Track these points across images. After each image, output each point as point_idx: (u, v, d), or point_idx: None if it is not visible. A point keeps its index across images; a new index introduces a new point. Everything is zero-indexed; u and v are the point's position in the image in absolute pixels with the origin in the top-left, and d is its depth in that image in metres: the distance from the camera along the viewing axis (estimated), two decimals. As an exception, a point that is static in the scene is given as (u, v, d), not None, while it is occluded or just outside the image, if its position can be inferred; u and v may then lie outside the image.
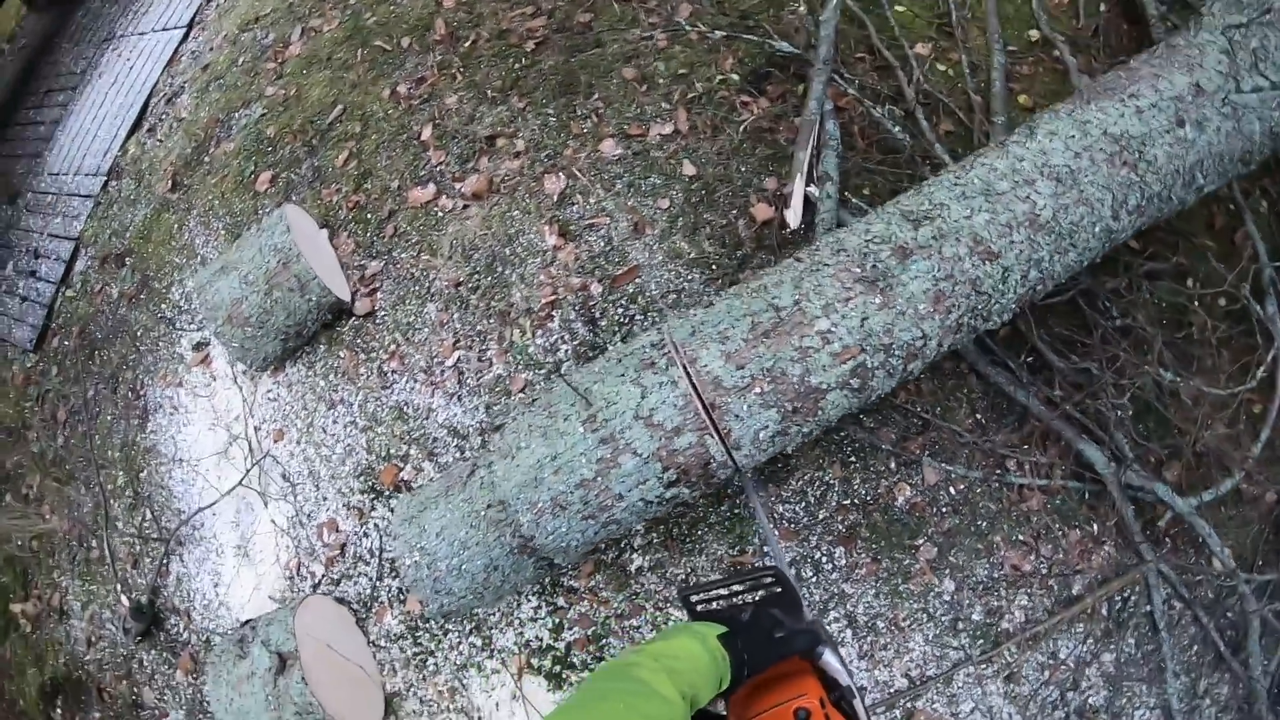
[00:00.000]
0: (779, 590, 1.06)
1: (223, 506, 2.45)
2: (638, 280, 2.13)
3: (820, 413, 1.53)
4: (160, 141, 3.11)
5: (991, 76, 2.29)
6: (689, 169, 2.20)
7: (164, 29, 3.42)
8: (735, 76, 2.32)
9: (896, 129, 2.17)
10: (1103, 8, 2.62)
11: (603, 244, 2.19)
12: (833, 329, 1.49)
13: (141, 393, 2.67)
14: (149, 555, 2.54)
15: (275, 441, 2.41)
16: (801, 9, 2.32)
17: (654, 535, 2.04)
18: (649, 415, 1.52)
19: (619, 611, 2.04)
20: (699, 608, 1.06)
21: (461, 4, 2.73)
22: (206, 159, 2.88)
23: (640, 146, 2.27)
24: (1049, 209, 1.57)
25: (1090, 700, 2.12)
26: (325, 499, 2.32)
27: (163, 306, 2.72)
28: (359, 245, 2.44)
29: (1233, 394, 2.09)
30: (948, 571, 2.01)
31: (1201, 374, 2.07)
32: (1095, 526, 1.97)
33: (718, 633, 0.95)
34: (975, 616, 1.96)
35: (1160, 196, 1.68)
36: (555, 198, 2.26)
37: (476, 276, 2.26)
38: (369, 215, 2.47)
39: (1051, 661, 2.07)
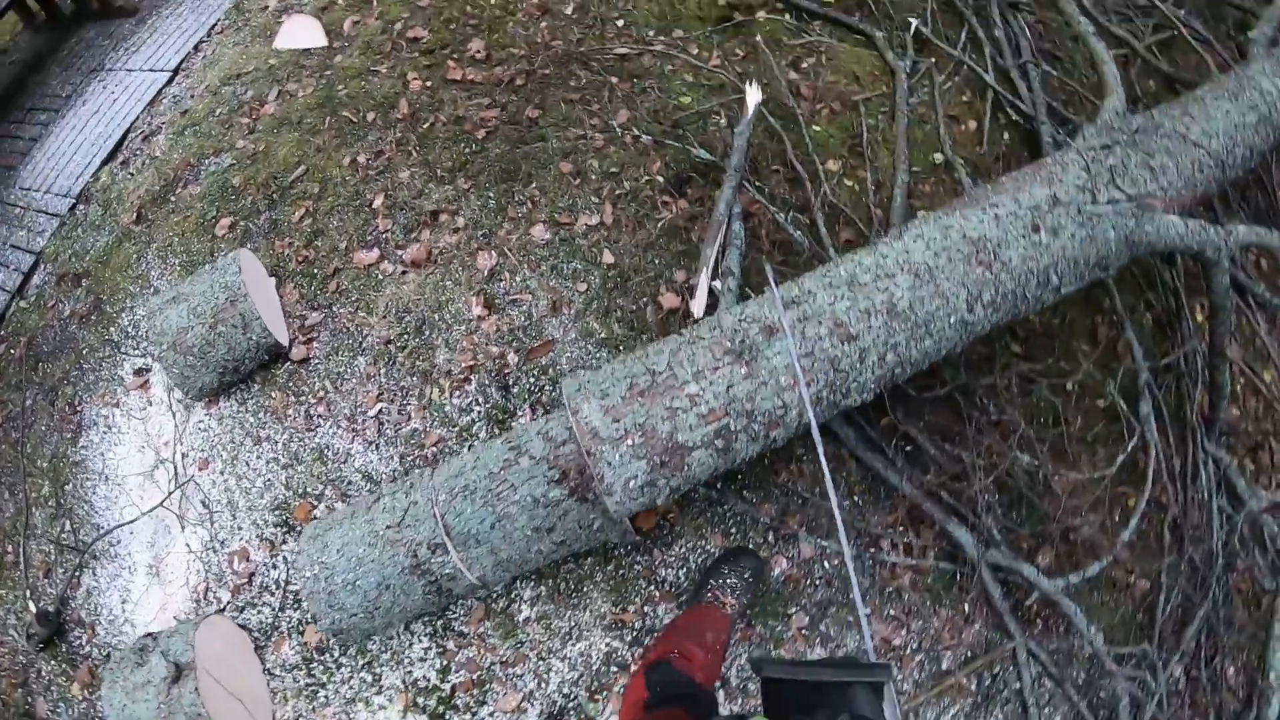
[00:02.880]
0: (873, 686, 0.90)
1: (141, 526, 2.57)
2: (551, 354, 2.37)
3: (687, 469, 1.76)
4: (131, 175, 3.30)
5: (894, 193, 2.64)
6: (608, 257, 2.48)
7: (151, 70, 3.65)
8: (660, 179, 2.63)
9: (798, 233, 2.48)
10: (1005, 136, 3.01)
11: (523, 318, 2.43)
12: (700, 393, 1.73)
13: (78, 408, 2.80)
14: (62, 565, 2.63)
15: (200, 469, 2.56)
16: (723, 122, 2.65)
17: (542, 588, 2.23)
18: (546, 431, 1.88)
19: (504, 659, 2.21)
20: (783, 696, 0.91)
21: (426, 88, 3.02)
22: (172, 198, 3.08)
23: (567, 234, 2.54)
24: (906, 299, 1.84)
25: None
26: (240, 528, 2.46)
27: (111, 330, 2.87)
28: (303, 296, 2.66)
29: (1099, 478, 2.36)
30: (818, 640, 2.22)
31: (1073, 468, 2.35)
32: (966, 605, 2.22)
33: None
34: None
35: (1015, 294, 1.95)
36: (485, 273, 2.52)
37: (405, 336, 2.49)
38: (315, 270, 2.69)
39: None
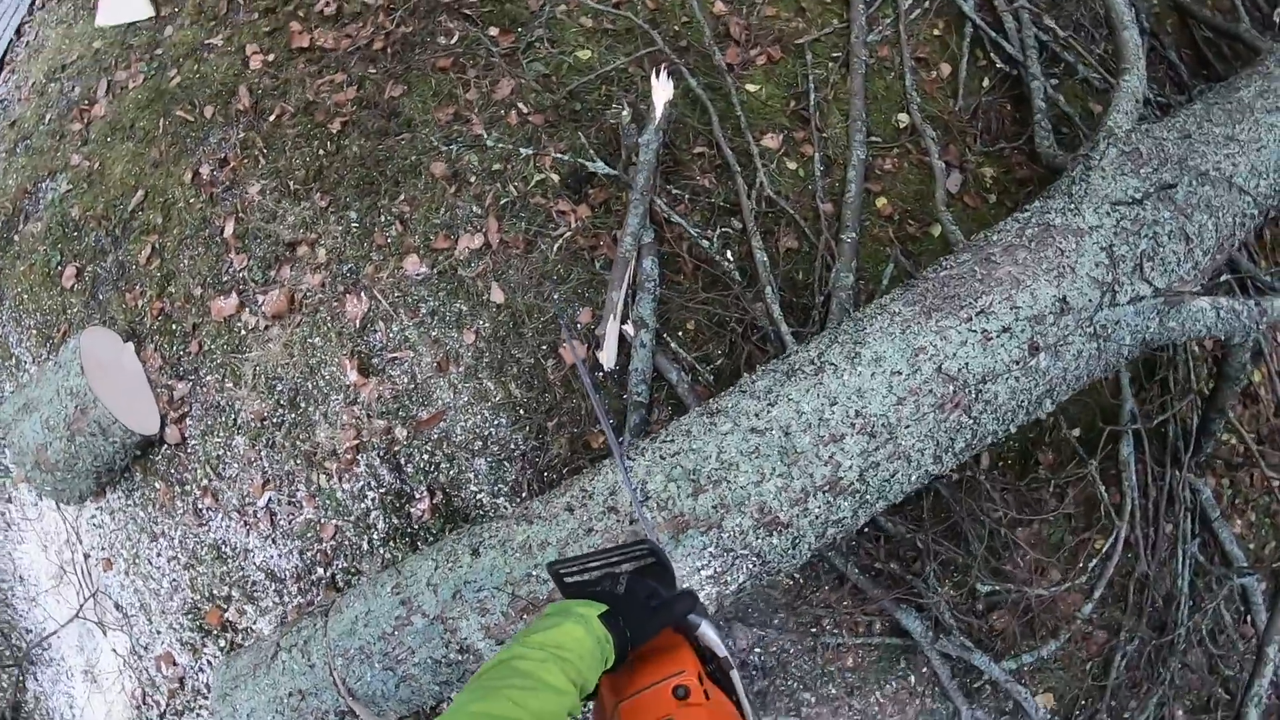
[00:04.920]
0: (652, 561, 1.02)
1: (67, 631, 2.41)
2: (443, 424, 1.97)
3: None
4: (-26, 211, 2.84)
5: (848, 176, 2.03)
6: (497, 294, 1.99)
7: (-29, 67, 3.05)
8: (555, 177, 2.05)
9: (728, 262, 1.93)
10: (985, 84, 2.29)
11: (406, 380, 2.01)
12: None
13: (-25, 505, 2.57)
14: (5, 672, 2.53)
15: (105, 570, 2.33)
16: (626, 115, 2.00)
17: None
18: (436, 584, 1.57)
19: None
20: (570, 581, 1.01)
21: (268, 66, 2.40)
22: (16, 238, 2.64)
23: (447, 263, 2.04)
24: (855, 469, 1.35)
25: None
26: (159, 632, 2.27)
27: (0, 411, 2.57)
28: (166, 361, 2.27)
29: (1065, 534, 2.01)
30: None
31: (1041, 519, 1.95)
32: (912, 678, 1.91)
33: (599, 612, 0.91)
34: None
35: (995, 433, 1.47)
36: (357, 323, 2.07)
37: (281, 411, 2.10)
38: (174, 326, 2.27)
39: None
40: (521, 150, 2.01)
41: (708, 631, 0.94)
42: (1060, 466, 2.04)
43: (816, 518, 1.35)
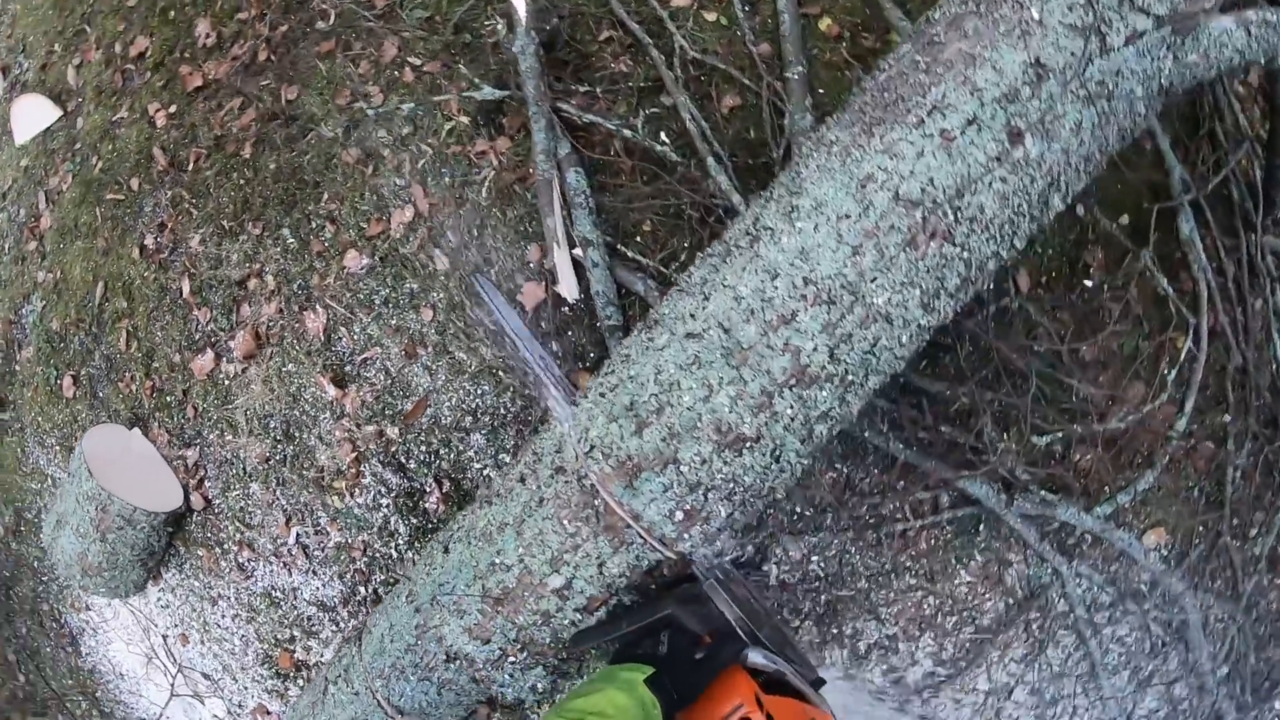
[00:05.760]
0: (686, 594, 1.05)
1: (170, 709, 2.48)
2: (429, 410, 1.88)
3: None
4: (-23, 355, 2.94)
5: (778, 7, 1.80)
6: (441, 261, 1.87)
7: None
8: (464, 119, 1.91)
9: (662, 145, 1.74)
10: None
11: (382, 378, 1.93)
12: (568, 585, 1.24)
13: (62, 620, 2.67)
14: (136, 764, 2.63)
15: (183, 645, 2.38)
16: (501, 28, 1.83)
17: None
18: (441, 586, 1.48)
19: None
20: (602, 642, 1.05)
21: (172, 119, 2.35)
22: (16, 368, 2.71)
23: (386, 246, 1.94)
24: (822, 350, 1.09)
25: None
26: (246, 688, 2.30)
27: (42, 535, 2.65)
28: (172, 434, 2.26)
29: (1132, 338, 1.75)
30: (834, 644, 1.79)
31: (1103, 330, 1.69)
32: (998, 546, 1.70)
33: (645, 675, 0.93)
34: (875, 679, 1.76)
35: (996, 255, 1.17)
36: (322, 337, 1.99)
37: (280, 447, 2.06)
38: (168, 399, 2.27)
39: (970, 698, 1.86)
40: (402, 108, 1.87)
41: (757, 658, 0.96)
42: (1115, 266, 1.76)
43: (792, 419, 1.11)
